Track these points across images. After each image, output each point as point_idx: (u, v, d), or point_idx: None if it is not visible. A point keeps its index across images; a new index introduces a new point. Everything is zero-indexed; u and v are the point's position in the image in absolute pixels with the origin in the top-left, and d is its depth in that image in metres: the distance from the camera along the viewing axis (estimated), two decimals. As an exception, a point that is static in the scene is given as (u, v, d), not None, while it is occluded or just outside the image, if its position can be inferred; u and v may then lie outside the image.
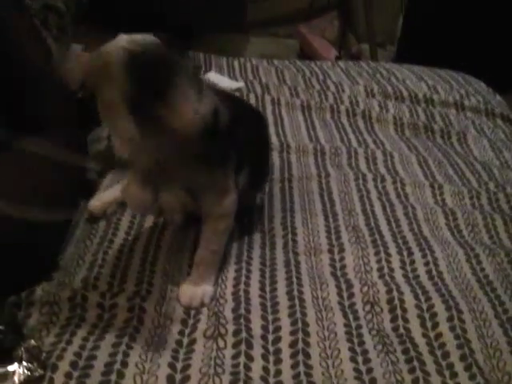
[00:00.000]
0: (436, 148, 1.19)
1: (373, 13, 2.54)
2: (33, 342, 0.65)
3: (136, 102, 0.59)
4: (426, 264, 0.84)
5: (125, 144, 0.64)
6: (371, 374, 0.67)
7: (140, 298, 0.75)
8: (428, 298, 0.78)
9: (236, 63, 1.62)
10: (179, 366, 0.67)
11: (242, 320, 0.73)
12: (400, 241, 0.89)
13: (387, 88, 1.45)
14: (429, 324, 0.74)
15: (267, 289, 0.80)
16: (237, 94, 1.39)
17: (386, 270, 0.83)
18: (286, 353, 0.70)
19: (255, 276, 0.82)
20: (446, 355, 0.70)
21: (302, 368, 0.68)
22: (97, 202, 0.93)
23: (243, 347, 0.70)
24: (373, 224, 0.93)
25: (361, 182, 1.04)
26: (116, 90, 0.59)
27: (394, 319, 0.75)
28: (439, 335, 0.73)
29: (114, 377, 0.65)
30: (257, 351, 0.69)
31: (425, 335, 0.73)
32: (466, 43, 2.37)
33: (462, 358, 0.69)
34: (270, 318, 0.75)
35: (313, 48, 2.75)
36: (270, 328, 0.73)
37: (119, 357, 0.67)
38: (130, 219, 0.92)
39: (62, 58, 1.19)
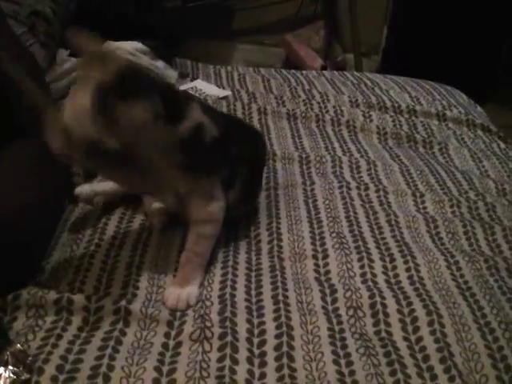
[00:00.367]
0: (418, 157, 1.22)
1: (358, 23, 2.59)
2: (19, 345, 0.66)
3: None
4: (408, 270, 0.86)
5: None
6: (353, 377, 0.68)
7: (126, 301, 0.76)
8: (409, 303, 0.79)
9: (223, 71, 1.64)
10: (165, 369, 0.68)
11: (227, 323, 0.74)
12: (383, 247, 0.91)
13: (371, 98, 1.48)
14: (410, 328, 0.76)
15: (253, 293, 0.81)
16: (223, 101, 1.41)
17: (368, 276, 0.85)
18: (270, 356, 0.71)
19: (241, 280, 0.83)
20: (426, 358, 0.72)
21: (286, 371, 0.69)
22: (86, 187, 0.95)
23: (228, 350, 0.71)
24: (356, 231, 0.95)
25: (345, 189, 1.06)
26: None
27: (376, 323, 0.77)
28: (420, 339, 0.74)
29: (100, 380, 0.65)
30: (242, 354, 0.70)
31: (406, 339, 0.75)
32: (448, 54, 2.43)
33: (442, 360, 0.71)
34: (256, 321, 0.76)
35: (298, 57, 2.78)
36: (255, 331, 0.74)
37: (105, 360, 0.68)
38: (116, 223, 0.93)
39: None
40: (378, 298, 0.80)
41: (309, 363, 0.70)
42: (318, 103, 1.43)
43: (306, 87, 1.55)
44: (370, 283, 0.84)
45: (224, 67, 1.68)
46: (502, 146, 1.32)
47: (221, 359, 0.69)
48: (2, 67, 0.91)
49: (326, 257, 0.89)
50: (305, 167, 1.15)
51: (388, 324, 0.77)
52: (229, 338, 0.72)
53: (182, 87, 1.48)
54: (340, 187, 1.07)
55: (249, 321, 0.76)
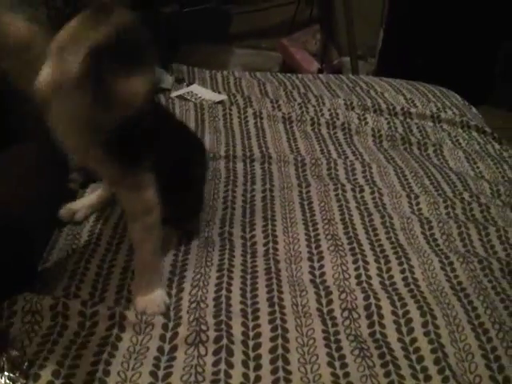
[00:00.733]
0: (413, 159, 1.22)
1: (354, 26, 2.59)
2: (15, 351, 0.66)
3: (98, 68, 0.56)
4: (402, 271, 0.87)
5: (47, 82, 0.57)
6: (348, 378, 0.69)
7: (121, 306, 0.76)
8: (404, 305, 0.80)
9: (219, 76, 1.65)
10: (161, 374, 0.68)
11: (223, 326, 0.75)
12: (377, 249, 0.92)
13: (366, 101, 1.48)
14: (404, 329, 0.77)
15: (248, 295, 0.81)
16: (219, 106, 1.41)
17: (363, 278, 0.86)
18: (265, 358, 0.71)
19: (236, 283, 0.84)
20: (420, 359, 0.72)
21: (281, 373, 0.69)
22: (63, 211, 0.95)
23: (224, 354, 0.71)
24: (351, 233, 0.96)
25: (340, 192, 1.07)
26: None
27: (371, 325, 0.77)
28: (414, 340, 0.75)
29: (96, 385, 0.65)
30: (237, 357, 0.71)
31: (400, 340, 0.75)
32: (444, 56, 2.44)
33: (436, 361, 0.72)
34: (251, 324, 0.76)
35: (295, 60, 2.79)
36: (251, 334, 0.75)
37: (101, 365, 0.68)
38: (112, 229, 0.94)
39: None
40: (372, 300, 0.80)
41: (304, 366, 0.70)
42: (314, 106, 1.43)
43: (302, 91, 1.56)
44: (364, 285, 0.84)
45: (220, 72, 1.69)
46: (497, 147, 1.33)
47: (216, 363, 0.70)
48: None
49: (321, 259, 0.90)
50: (300, 170, 1.15)
51: (383, 325, 0.77)
52: (224, 342, 0.72)
53: (178, 92, 1.49)
54: (335, 189, 1.08)
55: (244, 324, 0.76)
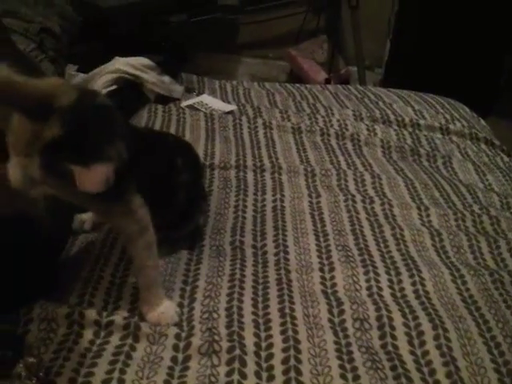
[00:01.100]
0: (422, 171, 1.23)
1: (361, 37, 2.62)
2: (32, 358, 0.67)
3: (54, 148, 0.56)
4: (413, 284, 0.87)
5: (18, 180, 0.58)
6: (361, 390, 0.69)
7: (136, 316, 0.77)
8: (415, 317, 0.80)
9: (228, 86, 1.66)
10: (175, 383, 0.69)
11: (235, 336, 0.75)
12: (388, 261, 0.92)
13: (375, 112, 1.49)
14: (416, 342, 0.77)
15: (260, 306, 0.82)
16: (229, 116, 1.42)
17: (374, 289, 0.86)
18: (278, 369, 0.71)
19: (248, 293, 0.84)
20: (432, 372, 0.72)
21: (294, 384, 0.69)
22: (75, 220, 0.95)
23: (237, 364, 0.71)
24: (362, 244, 0.96)
25: (350, 202, 1.08)
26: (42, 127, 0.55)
27: (382, 336, 0.77)
28: (426, 353, 0.75)
29: (111, 393, 0.66)
30: (250, 368, 0.71)
31: (412, 352, 0.75)
32: (450, 67, 2.46)
33: (448, 375, 0.72)
34: (263, 335, 0.77)
35: (303, 70, 2.81)
36: (263, 345, 0.75)
37: (116, 374, 0.69)
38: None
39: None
40: (384, 312, 0.81)
41: (316, 377, 0.71)
42: (323, 117, 1.44)
43: (311, 101, 1.57)
44: (375, 296, 0.85)
45: (229, 82, 1.70)
46: (506, 159, 1.34)
47: (229, 373, 0.70)
48: None
49: (332, 270, 0.90)
50: (310, 180, 1.16)
51: (394, 337, 0.77)
52: (237, 352, 0.73)
53: (188, 102, 1.50)
54: (345, 200, 1.08)
55: (256, 334, 0.77)
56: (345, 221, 1.03)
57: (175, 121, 1.38)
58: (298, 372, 0.71)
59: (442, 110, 1.55)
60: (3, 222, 0.68)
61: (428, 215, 1.06)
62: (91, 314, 0.75)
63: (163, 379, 0.69)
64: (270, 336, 0.76)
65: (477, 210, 1.08)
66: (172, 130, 1.33)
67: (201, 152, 1.24)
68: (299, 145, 1.32)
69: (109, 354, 0.71)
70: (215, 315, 0.79)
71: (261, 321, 0.79)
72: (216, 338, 0.75)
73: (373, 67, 2.94)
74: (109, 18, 1.85)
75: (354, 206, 1.07)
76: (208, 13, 2.47)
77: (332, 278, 0.89)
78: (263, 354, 0.74)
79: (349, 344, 0.76)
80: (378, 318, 0.80)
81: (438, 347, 0.76)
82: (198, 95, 1.55)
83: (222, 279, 0.87)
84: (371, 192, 1.13)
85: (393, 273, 0.90)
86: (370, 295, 0.85)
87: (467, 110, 1.60)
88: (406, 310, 0.82)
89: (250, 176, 1.16)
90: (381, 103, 1.57)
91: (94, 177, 0.58)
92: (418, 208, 1.07)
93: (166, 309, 0.78)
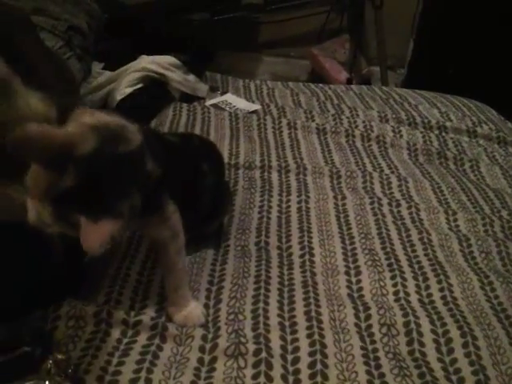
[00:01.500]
0: (449, 174, 1.21)
1: (384, 36, 2.59)
2: (61, 355, 0.67)
3: (65, 197, 0.55)
4: (441, 290, 0.86)
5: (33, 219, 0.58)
6: (389, 398, 0.68)
7: (163, 316, 0.77)
8: (443, 324, 0.79)
9: (252, 85, 1.66)
10: None
11: (261, 339, 0.75)
12: (415, 265, 0.91)
13: (400, 113, 1.48)
14: (444, 349, 0.76)
15: (285, 308, 0.81)
16: (253, 116, 1.42)
17: (401, 294, 0.85)
18: (304, 374, 0.71)
19: (274, 295, 0.84)
20: (461, 381, 0.71)
21: (320, 389, 0.69)
22: None
23: (263, 367, 0.71)
24: (389, 248, 0.95)
25: (376, 205, 1.06)
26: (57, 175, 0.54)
27: (409, 343, 0.76)
28: (454, 361, 0.74)
29: (139, 393, 0.66)
30: (276, 371, 0.71)
31: (440, 360, 0.74)
32: (475, 68, 2.41)
33: (478, 384, 0.71)
34: (289, 338, 0.76)
35: (324, 69, 2.79)
36: (289, 348, 0.75)
37: (143, 373, 0.69)
38: (151, 236, 0.95)
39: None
40: (411, 317, 0.80)
41: (343, 383, 0.70)
42: (348, 118, 1.43)
43: (335, 102, 1.56)
44: (402, 302, 0.83)
45: (253, 81, 1.70)
46: (534, 164, 1.31)
47: (255, 376, 0.70)
48: None
49: (358, 273, 0.89)
50: (335, 182, 1.15)
51: (422, 344, 0.76)
52: (263, 355, 0.72)
53: (213, 101, 1.50)
54: (371, 203, 1.07)
55: (282, 337, 0.76)
56: (371, 224, 1.01)
57: (200, 120, 1.38)
58: (325, 377, 0.71)
59: (468, 113, 1.53)
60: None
61: (455, 220, 1.04)
62: (119, 312, 0.76)
63: (190, 380, 0.69)
64: (296, 339, 0.76)
65: (505, 216, 1.06)
66: (197, 129, 1.33)
67: (225, 151, 1.24)
68: (324, 146, 1.31)
69: (136, 353, 0.72)
70: (241, 317, 0.79)
71: (287, 323, 0.79)
72: (242, 340, 0.74)
73: (395, 67, 2.91)
74: (133, 16, 1.86)
75: (380, 209, 1.05)
76: (231, 11, 2.47)
77: (358, 281, 0.88)
78: (289, 357, 0.73)
79: (376, 350, 0.75)
80: (406, 324, 0.79)
81: (467, 355, 0.74)
82: (222, 94, 1.55)
83: (248, 280, 0.86)
84: (397, 195, 1.11)
85: (420, 278, 0.89)
86: (397, 300, 0.84)
87: (494, 112, 1.58)
88: (434, 317, 0.80)
89: (274, 176, 1.16)
90: (406, 104, 1.55)
91: (99, 232, 0.55)
92: (446, 212, 1.06)
93: (192, 310, 0.78)
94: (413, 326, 0.79)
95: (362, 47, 2.84)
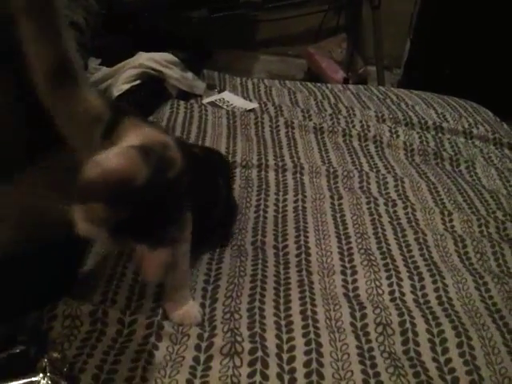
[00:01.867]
0: (445, 175, 1.22)
1: (381, 36, 2.59)
2: (56, 354, 0.67)
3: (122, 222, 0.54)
4: (436, 290, 0.86)
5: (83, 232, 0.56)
6: (384, 397, 0.69)
7: (159, 315, 0.77)
8: (438, 324, 0.79)
9: (249, 83, 1.66)
10: (197, 382, 0.69)
11: (257, 338, 0.75)
12: (411, 266, 0.92)
13: (397, 114, 1.48)
14: (439, 349, 0.76)
15: (281, 307, 0.82)
16: (251, 114, 1.42)
17: (397, 294, 0.85)
18: (300, 372, 0.71)
19: (269, 294, 0.84)
20: (455, 380, 0.72)
21: (316, 388, 0.69)
22: None
23: (259, 366, 0.71)
24: (385, 248, 0.95)
25: (373, 205, 1.07)
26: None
27: (405, 342, 0.77)
28: (449, 360, 0.74)
29: (134, 391, 0.66)
30: (272, 370, 0.71)
31: (435, 360, 0.75)
32: (472, 69, 2.42)
33: (472, 384, 0.71)
34: (285, 337, 0.76)
35: (320, 68, 2.79)
36: (285, 347, 0.75)
37: (139, 372, 0.69)
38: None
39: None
40: (406, 317, 0.80)
41: (338, 381, 0.70)
42: (345, 118, 1.43)
43: (332, 101, 1.56)
44: (398, 301, 0.84)
45: (250, 79, 1.70)
46: (530, 165, 1.31)
47: (251, 375, 0.70)
48: None
49: (354, 273, 0.90)
50: (332, 181, 1.15)
51: (417, 343, 0.77)
52: (259, 354, 0.73)
53: (210, 99, 1.50)
54: (368, 203, 1.07)
55: (278, 336, 0.76)
56: (367, 224, 1.02)
57: (197, 117, 1.38)
58: (320, 376, 0.71)
59: (465, 114, 1.53)
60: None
61: (451, 220, 1.04)
62: (115, 312, 0.76)
63: (186, 378, 0.69)
64: (292, 338, 0.76)
65: (500, 217, 1.06)
66: (194, 127, 1.33)
67: (222, 150, 1.24)
68: (321, 145, 1.31)
69: (131, 352, 0.72)
70: (237, 316, 0.79)
71: (282, 322, 0.79)
72: (238, 338, 0.74)
73: (391, 67, 2.91)
74: (131, 12, 1.85)
75: (377, 209, 1.06)
76: (229, 9, 2.46)
77: (354, 281, 0.88)
78: (285, 356, 0.74)
79: (371, 349, 0.76)
80: (401, 324, 0.79)
81: (462, 355, 0.75)
82: (219, 92, 1.54)
83: (244, 279, 0.86)
84: (394, 195, 1.12)
85: (416, 278, 0.89)
86: (393, 300, 0.84)
87: (490, 114, 1.58)
88: (429, 317, 0.81)
89: (271, 175, 1.16)
90: (403, 105, 1.55)
91: (156, 260, 0.56)
92: (441, 213, 1.06)
93: (189, 309, 0.78)
94: (408, 325, 0.79)
95: (359, 47, 2.84)
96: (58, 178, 0.80)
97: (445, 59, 2.48)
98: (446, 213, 1.06)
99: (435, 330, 0.79)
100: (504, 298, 0.85)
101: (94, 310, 0.75)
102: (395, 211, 1.06)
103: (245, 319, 0.79)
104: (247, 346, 0.74)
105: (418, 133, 1.39)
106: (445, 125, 1.43)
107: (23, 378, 0.63)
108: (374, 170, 1.22)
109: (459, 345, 0.76)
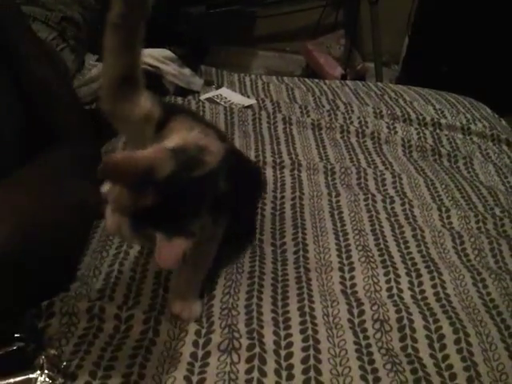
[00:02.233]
0: (443, 171, 1.21)
1: (379, 32, 2.59)
2: (53, 351, 0.67)
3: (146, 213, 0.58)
4: (434, 286, 0.86)
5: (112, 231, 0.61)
6: (381, 393, 0.69)
7: (156, 311, 0.77)
8: (436, 320, 0.79)
9: (247, 80, 1.65)
10: (195, 379, 0.69)
11: (255, 334, 0.75)
12: (409, 262, 0.92)
13: (395, 110, 1.48)
14: (436, 345, 0.76)
15: (279, 304, 0.82)
16: (248, 110, 1.42)
17: (395, 291, 0.85)
18: (297, 369, 0.71)
19: (267, 291, 0.84)
20: (453, 377, 0.72)
21: (314, 384, 0.69)
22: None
23: (256, 362, 0.71)
24: (382, 244, 0.95)
25: (370, 202, 1.07)
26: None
27: (402, 339, 0.77)
28: (446, 357, 0.74)
29: (131, 387, 0.66)
30: (270, 366, 0.71)
31: (433, 356, 0.75)
32: (470, 65, 2.42)
33: (469, 380, 0.71)
34: (282, 333, 0.76)
35: (319, 65, 2.79)
36: (283, 344, 0.75)
37: (136, 368, 0.69)
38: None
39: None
40: (404, 314, 0.80)
41: (336, 378, 0.70)
42: (343, 114, 1.43)
43: (330, 97, 1.56)
44: (396, 298, 0.84)
45: (248, 75, 1.69)
46: (527, 161, 1.31)
47: (249, 371, 0.70)
48: None
49: (352, 270, 0.89)
50: (330, 178, 1.15)
51: (414, 340, 0.77)
52: (257, 350, 0.73)
53: (207, 95, 1.49)
54: (365, 199, 1.07)
55: (276, 333, 0.76)
56: (365, 220, 1.02)
57: (194, 114, 1.38)
58: (318, 372, 0.71)
59: (463, 110, 1.53)
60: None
61: (449, 216, 1.04)
62: (112, 308, 0.76)
63: (183, 375, 0.69)
64: (290, 335, 0.76)
65: (498, 213, 1.06)
66: (191, 124, 1.33)
67: (220, 146, 1.23)
68: (319, 141, 1.30)
69: (129, 348, 0.72)
70: (234, 312, 0.79)
71: (280, 319, 0.79)
72: (236, 335, 0.74)
73: (390, 63, 2.91)
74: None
75: (374, 206, 1.06)
76: (227, 5, 2.45)
77: (352, 278, 0.88)
78: (283, 352, 0.74)
79: (369, 345, 0.76)
80: (399, 320, 0.79)
81: (459, 351, 0.75)
82: (217, 88, 1.54)
83: (242, 276, 0.86)
84: (391, 191, 1.12)
85: (413, 274, 0.89)
86: (390, 296, 0.84)
87: (488, 110, 1.58)
88: (427, 313, 0.81)
89: (269, 172, 1.16)
90: (401, 101, 1.55)
91: (172, 250, 0.58)
92: (439, 209, 1.06)
93: (192, 304, 0.78)
94: (406, 322, 0.79)
95: (357, 43, 2.84)
96: (55, 176, 0.80)
97: (443, 55, 2.48)
98: (443, 209, 1.06)
99: (433, 327, 0.79)
100: (502, 294, 0.85)
101: (91, 307, 0.75)
102: (393, 208, 1.06)
103: (242, 316, 0.79)
104: (245, 342, 0.74)
105: (415, 129, 1.39)
106: (443, 121, 1.43)
107: (21, 375, 0.63)
108: (372, 166, 1.21)
109: (457, 341, 0.76)
